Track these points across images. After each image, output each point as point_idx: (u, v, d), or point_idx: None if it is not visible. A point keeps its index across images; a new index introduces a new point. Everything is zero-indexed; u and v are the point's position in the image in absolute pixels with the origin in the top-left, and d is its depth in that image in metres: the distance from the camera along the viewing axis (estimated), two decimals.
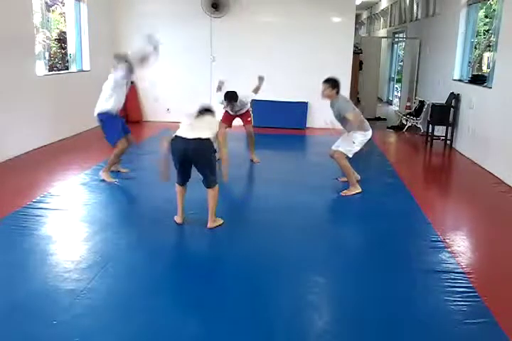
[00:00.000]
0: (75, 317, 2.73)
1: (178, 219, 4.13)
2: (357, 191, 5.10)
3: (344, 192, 5.09)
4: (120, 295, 3.03)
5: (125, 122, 5.59)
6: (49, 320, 2.68)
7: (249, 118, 6.35)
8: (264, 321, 2.75)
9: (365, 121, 5.15)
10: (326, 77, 5.15)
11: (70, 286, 3.06)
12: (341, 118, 5.03)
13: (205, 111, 4.13)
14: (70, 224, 4.17)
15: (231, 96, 5.83)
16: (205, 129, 3.91)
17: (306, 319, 2.85)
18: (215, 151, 3.98)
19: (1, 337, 2.55)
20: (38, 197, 4.72)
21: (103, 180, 5.31)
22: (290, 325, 2.73)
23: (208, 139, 3.84)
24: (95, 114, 5.22)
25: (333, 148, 5.20)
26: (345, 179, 5.44)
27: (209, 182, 3.97)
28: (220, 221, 4.10)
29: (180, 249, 3.90)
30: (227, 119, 6.27)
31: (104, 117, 5.19)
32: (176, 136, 3.87)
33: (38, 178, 5.44)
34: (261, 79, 6.23)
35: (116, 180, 5.36)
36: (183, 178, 4.02)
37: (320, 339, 2.67)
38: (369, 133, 5.13)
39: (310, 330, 2.75)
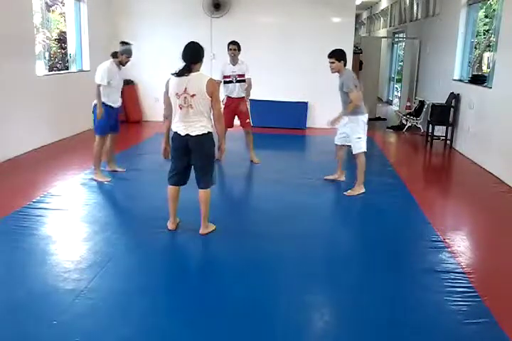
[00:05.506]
0: (75, 317, 2.73)
1: (170, 225, 3.99)
2: (362, 191, 5.09)
3: (348, 193, 5.08)
4: (120, 295, 3.03)
5: (118, 121, 5.51)
6: (49, 320, 2.68)
7: (247, 120, 6.27)
8: (263, 322, 2.75)
9: (362, 104, 5.05)
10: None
11: (70, 286, 3.06)
12: (343, 92, 5.00)
13: (187, 67, 3.71)
14: (70, 224, 4.17)
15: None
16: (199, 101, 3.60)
17: (305, 320, 2.84)
18: (214, 145, 3.79)
19: (1, 337, 2.55)
20: (38, 197, 4.72)
21: (97, 181, 5.28)
22: (290, 326, 2.73)
23: (207, 133, 3.70)
24: (93, 103, 5.22)
25: (348, 143, 5.19)
26: (330, 177, 5.48)
27: (205, 181, 3.81)
28: (213, 227, 3.99)
29: (179, 250, 3.89)
30: (228, 119, 6.14)
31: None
32: (174, 132, 3.72)
33: (38, 178, 5.44)
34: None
35: (110, 179, 5.33)
36: (181, 177, 3.86)
37: (320, 340, 2.67)
38: (366, 116, 5.11)
39: (310, 332, 2.75)
